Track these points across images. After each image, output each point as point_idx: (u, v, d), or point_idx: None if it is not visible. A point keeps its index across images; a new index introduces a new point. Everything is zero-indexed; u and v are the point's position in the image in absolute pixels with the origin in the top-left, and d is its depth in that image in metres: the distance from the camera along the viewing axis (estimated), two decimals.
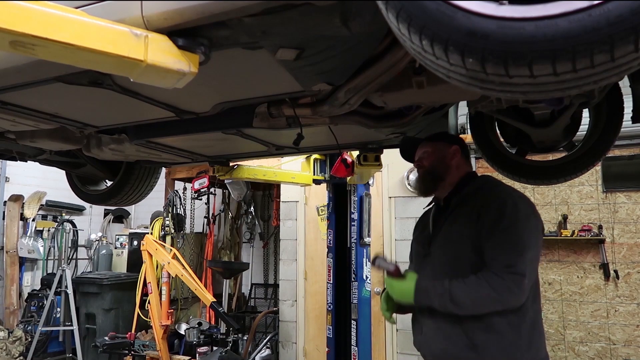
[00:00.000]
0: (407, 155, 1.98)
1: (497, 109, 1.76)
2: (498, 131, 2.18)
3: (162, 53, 1.00)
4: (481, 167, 5.77)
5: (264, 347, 4.97)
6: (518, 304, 1.56)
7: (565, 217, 5.33)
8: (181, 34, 1.04)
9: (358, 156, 2.58)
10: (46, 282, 5.88)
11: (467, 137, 4.51)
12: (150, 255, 4.49)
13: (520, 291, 1.52)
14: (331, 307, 3.81)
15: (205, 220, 6.16)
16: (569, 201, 5.42)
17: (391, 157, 2.53)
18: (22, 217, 6.05)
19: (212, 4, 0.98)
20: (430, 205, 1.94)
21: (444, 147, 1.82)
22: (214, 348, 4.51)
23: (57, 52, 0.90)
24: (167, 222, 5.56)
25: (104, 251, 6.63)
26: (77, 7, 0.99)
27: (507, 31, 0.71)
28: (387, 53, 1.28)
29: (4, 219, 5.91)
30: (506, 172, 2.16)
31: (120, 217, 7.43)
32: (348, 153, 3.02)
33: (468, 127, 3.72)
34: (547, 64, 0.72)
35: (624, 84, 1.69)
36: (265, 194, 6.52)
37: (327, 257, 3.86)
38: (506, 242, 1.55)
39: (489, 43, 0.72)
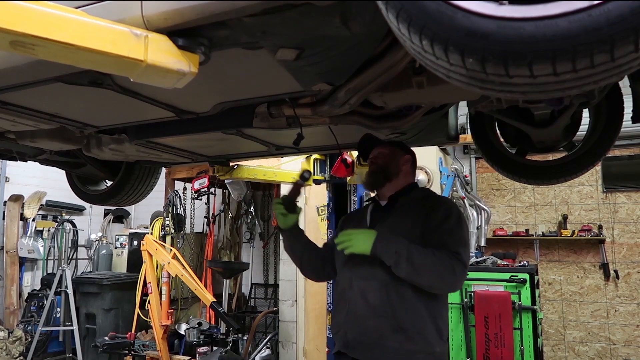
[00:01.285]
0: (362, 151, 2.08)
1: (497, 109, 1.77)
2: (498, 131, 2.18)
3: (162, 53, 1.00)
4: (481, 167, 5.77)
5: (264, 347, 4.97)
6: (452, 288, 1.79)
7: (565, 217, 5.34)
8: (181, 34, 1.04)
9: (358, 156, 2.58)
10: (46, 282, 5.87)
11: (467, 137, 4.52)
12: (150, 255, 4.49)
13: (460, 276, 1.69)
14: (331, 307, 3.81)
15: (205, 220, 6.16)
16: (569, 201, 5.42)
17: None
18: (22, 217, 6.04)
19: (212, 4, 0.98)
20: (368, 203, 2.05)
21: (399, 153, 1.97)
22: (214, 348, 4.51)
23: (57, 52, 0.90)
24: (167, 222, 5.55)
25: (104, 251, 6.62)
26: (77, 7, 0.99)
27: (507, 31, 0.71)
28: (387, 53, 1.28)
29: (4, 219, 5.91)
30: (506, 172, 2.16)
31: (120, 217, 7.43)
32: (348, 153, 3.02)
33: (468, 127, 3.72)
34: (547, 64, 0.72)
35: (624, 84, 1.70)
36: (265, 194, 6.52)
37: None
38: (453, 235, 1.74)
39: (489, 43, 0.72)
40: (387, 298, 1.69)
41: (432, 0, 0.75)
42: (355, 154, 2.83)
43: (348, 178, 3.36)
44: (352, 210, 3.67)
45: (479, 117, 2.14)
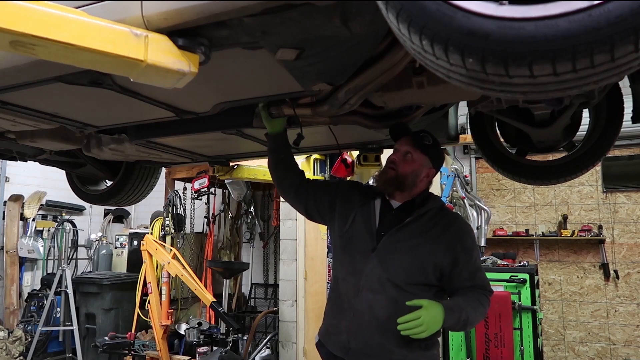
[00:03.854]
0: (394, 135, 1.89)
1: (497, 109, 1.77)
2: (498, 131, 2.18)
3: (162, 53, 1.00)
4: (481, 167, 5.77)
5: (264, 347, 4.97)
6: None
7: (565, 217, 5.34)
8: (181, 34, 1.04)
9: (358, 156, 2.58)
10: (46, 282, 5.87)
11: (467, 137, 4.51)
12: (150, 255, 4.49)
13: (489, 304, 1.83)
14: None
15: (205, 220, 6.15)
16: (569, 201, 5.42)
17: None
18: (22, 217, 6.03)
19: (212, 4, 0.98)
20: (374, 193, 1.90)
21: (425, 165, 1.80)
22: (214, 348, 4.50)
23: (57, 52, 0.90)
24: (167, 222, 5.55)
25: (104, 251, 6.62)
26: (77, 7, 0.99)
27: (507, 31, 0.71)
28: (387, 53, 1.28)
29: (4, 219, 5.90)
30: (506, 172, 2.16)
31: (120, 217, 7.43)
32: (348, 153, 3.02)
33: (468, 127, 3.72)
34: (547, 64, 0.72)
35: (624, 84, 1.70)
36: (265, 194, 6.51)
37: (327, 257, 3.86)
38: (480, 268, 1.83)
39: (489, 43, 0.72)
40: (394, 314, 1.66)
41: (432, 0, 0.75)
42: (355, 153, 2.83)
43: (348, 178, 3.36)
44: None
45: (479, 117, 2.14)
